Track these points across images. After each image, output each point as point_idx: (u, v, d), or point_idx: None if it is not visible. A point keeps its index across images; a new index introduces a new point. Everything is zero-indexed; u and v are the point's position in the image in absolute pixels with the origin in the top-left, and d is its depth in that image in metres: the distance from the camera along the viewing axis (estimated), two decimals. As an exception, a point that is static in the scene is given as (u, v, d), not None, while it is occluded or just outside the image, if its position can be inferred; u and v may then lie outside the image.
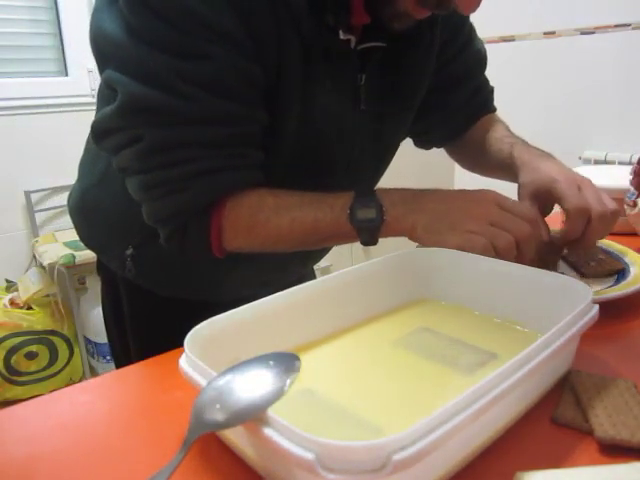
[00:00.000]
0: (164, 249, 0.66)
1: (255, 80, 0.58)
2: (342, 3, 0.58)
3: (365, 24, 0.61)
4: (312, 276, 0.99)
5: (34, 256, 2.04)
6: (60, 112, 2.02)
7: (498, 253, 0.55)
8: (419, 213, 0.58)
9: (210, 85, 0.55)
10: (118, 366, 0.87)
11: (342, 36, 0.60)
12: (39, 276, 1.93)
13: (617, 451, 0.38)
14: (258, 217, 0.60)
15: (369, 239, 0.59)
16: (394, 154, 0.80)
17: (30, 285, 1.91)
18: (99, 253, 0.82)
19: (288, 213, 0.60)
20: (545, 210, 0.66)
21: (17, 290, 1.95)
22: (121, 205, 0.65)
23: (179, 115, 0.55)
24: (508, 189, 0.71)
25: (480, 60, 0.84)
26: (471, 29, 0.83)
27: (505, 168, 0.76)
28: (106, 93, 0.58)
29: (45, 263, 1.85)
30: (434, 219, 0.57)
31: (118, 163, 0.60)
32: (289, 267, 0.82)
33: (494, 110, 0.88)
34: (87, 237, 0.81)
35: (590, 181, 0.66)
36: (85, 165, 0.80)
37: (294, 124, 0.62)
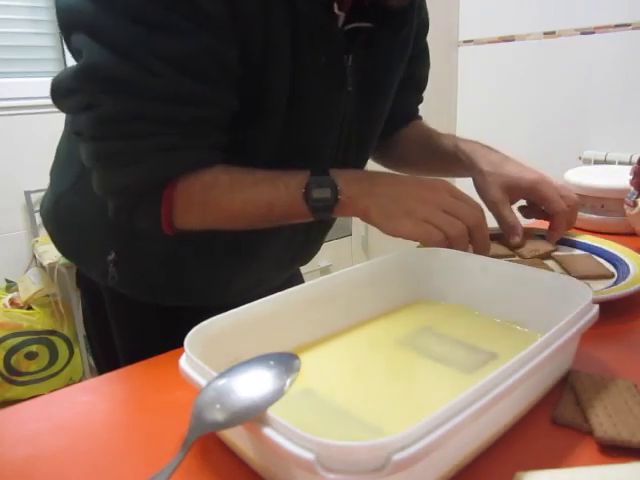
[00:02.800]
0: (148, 252, 0.65)
1: (228, 65, 0.56)
2: None
3: (354, 2, 0.61)
4: (299, 278, 0.98)
5: (34, 256, 2.04)
6: (60, 112, 2.02)
7: (451, 242, 0.56)
8: (373, 195, 0.58)
9: (179, 62, 0.53)
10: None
11: (336, 10, 0.60)
12: (39, 276, 1.94)
13: (617, 451, 0.38)
14: (211, 194, 0.59)
15: (323, 218, 0.60)
16: (375, 141, 0.80)
17: (30, 285, 1.91)
18: (78, 263, 0.79)
19: (242, 191, 0.59)
20: (513, 202, 0.75)
21: (17, 290, 1.95)
22: (100, 207, 0.63)
23: (142, 88, 0.53)
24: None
25: (428, 67, 0.88)
26: (426, 45, 0.85)
27: (450, 161, 0.80)
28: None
29: (45, 263, 1.85)
30: (388, 202, 0.58)
31: (74, 126, 0.59)
32: (279, 268, 0.82)
33: (421, 118, 0.92)
34: (64, 247, 0.78)
35: (549, 177, 0.75)
36: (57, 170, 0.77)
37: (282, 105, 0.61)
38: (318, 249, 0.87)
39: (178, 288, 0.74)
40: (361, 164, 0.79)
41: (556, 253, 0.74)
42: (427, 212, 0.57)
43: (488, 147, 0.79)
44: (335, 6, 0.59)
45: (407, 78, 0.81)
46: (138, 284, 0.74)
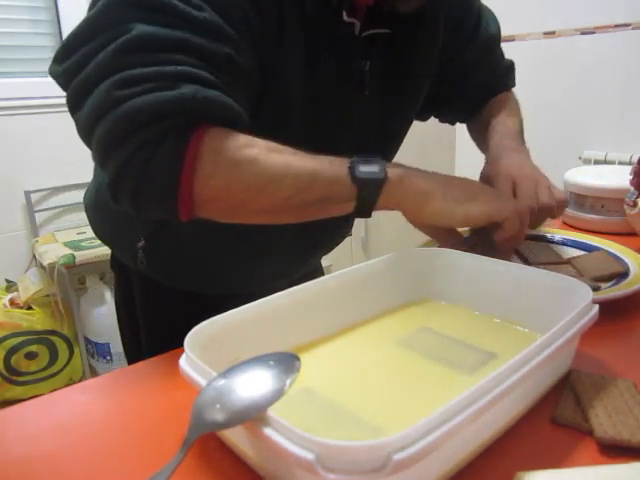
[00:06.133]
0: (175, 241, 0.66)
1: (253, 35, 0.54)
2: None
3: (369, 6, 0.61)
4: (320, 271, 1.00)
5: (34, 256, 2.04)
6: (60, 112, 2.01)
7: (522, 220, 0.57)
8: (421, 178, 0.56)
9: (216, 4, 0.51)
10: (130, 363, 0.87)
11: (346, 18, 0.60)
12: (39, 276, 1.93)
13: (617, 451, 0.38)
14: (245, 152, 0.50)
15: (370, 198, 0.53)
16: (400, 143, 0.80)
17: (30, 285, 1.91)
18: (112, 247, 0.84)
19: (282, 156, 0.51)
20: None
21: (17, 290, 1.95)
22: None
23: (183, 17, 0.49)
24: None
25: (491, 40, 0.85)
26: (479, 9, 0.82)
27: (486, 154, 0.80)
28: None
29: (45, 263, 1.84)
30: (442, 186, 0.55)
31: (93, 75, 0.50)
32: (303, 257, 0.83)
33: (510, 87, 0.89)
34: (101, 232, 0.83)
35: (545, 178, 0.68)
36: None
37: (298, 109, 0.62)
38: (341, 239, 0.87)
39: (198, 276, 0.78)
40: None
41: (570, 256, 0.73)
42: (492, 194, 0.57)
43: (513, 146, 0.76)
44: (344, 14, 0.59)
45: (465, 67, 0.81)
46: (165, 270, 0.78)
